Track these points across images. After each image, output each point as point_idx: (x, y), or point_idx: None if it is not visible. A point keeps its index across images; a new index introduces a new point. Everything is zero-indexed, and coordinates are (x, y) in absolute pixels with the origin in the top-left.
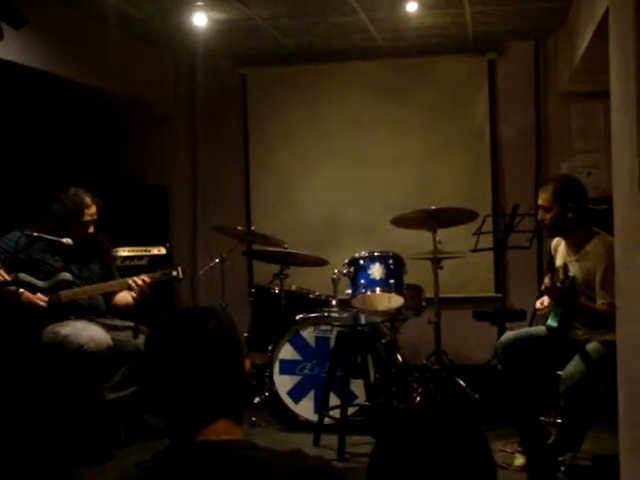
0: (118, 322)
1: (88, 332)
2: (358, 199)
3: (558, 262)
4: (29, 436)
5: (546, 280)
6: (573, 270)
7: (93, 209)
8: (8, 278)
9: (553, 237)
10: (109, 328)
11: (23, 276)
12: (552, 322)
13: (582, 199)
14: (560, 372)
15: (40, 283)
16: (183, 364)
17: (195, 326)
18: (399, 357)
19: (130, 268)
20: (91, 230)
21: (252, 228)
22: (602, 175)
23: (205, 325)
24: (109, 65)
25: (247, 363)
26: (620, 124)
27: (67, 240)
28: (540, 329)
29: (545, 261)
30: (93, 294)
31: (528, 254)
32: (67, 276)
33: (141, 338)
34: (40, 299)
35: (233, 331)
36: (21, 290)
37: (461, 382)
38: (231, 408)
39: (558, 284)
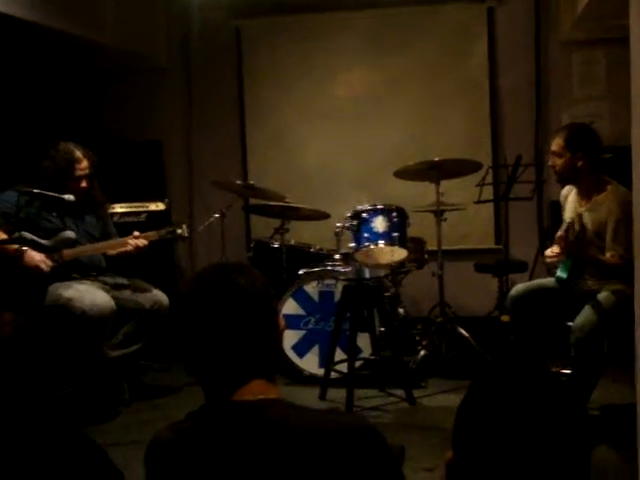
0: (120, 280)
1: (91, 296)
2: (356, 152)
3: (567, 212)
4: (43, 396)
5: (560, 232)
6: (584, 220)
7: (85, 163)
8: (5, 237)
9: (562, 185)
10: (111, 286)
11: (26, 235)
12: (562, 273)
13: (595, 149)
14: (570, 323)
15: (44, 241)
16: (216, 323)
17: (227, 283)
18: (401, 310)
19: (129, 224)
20: (84, 184)
21: (251, 182)
22: (604, 124)
23: (237, 281)
24: (100, 16)
25: (281, 321)
26: None
27: (69, 196)
28: (550, 281)
29: (545, 212)
30: (96, 253)
31: (528, 206)
32: (71, 234)
33: (143, 295)
34: (44, 262)
35: (266, 287)
36: (24, 248)
37: (465, 334)
38: (266, 367)
39: (571, 237)
